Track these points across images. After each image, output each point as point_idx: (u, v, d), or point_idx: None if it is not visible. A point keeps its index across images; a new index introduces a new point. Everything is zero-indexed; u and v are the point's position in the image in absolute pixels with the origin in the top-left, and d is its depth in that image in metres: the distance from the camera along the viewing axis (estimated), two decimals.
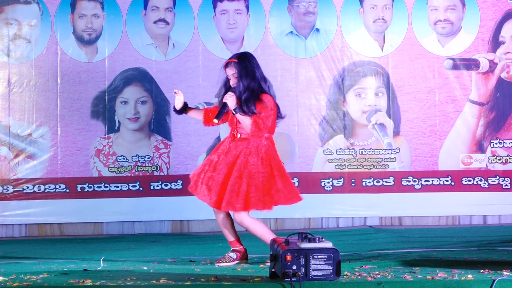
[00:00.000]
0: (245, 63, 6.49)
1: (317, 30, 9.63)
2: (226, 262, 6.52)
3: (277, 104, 6.57)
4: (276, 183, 6.47)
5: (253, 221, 6.48)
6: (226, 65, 6.55)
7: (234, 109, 6.43)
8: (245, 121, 6.45)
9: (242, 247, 6.63)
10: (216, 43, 9.55)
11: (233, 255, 6.58)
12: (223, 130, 9.52)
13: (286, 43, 9.62)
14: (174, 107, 6.77)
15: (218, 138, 9.51)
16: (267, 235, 6.39)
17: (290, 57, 9.62)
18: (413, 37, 9.64)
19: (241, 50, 9.06)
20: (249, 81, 6.45)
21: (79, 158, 9.49)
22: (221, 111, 6.50)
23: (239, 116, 6.45)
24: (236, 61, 6.49)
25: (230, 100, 6.43)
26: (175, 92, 6.74)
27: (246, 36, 9.48)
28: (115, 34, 9.56)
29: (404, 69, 9.65)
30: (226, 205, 6.43)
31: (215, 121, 6.55)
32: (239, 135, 6.56)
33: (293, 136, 9.52)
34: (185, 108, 6.75)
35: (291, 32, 9.63)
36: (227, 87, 6.60)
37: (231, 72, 6.51)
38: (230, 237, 6.63)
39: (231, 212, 6.56)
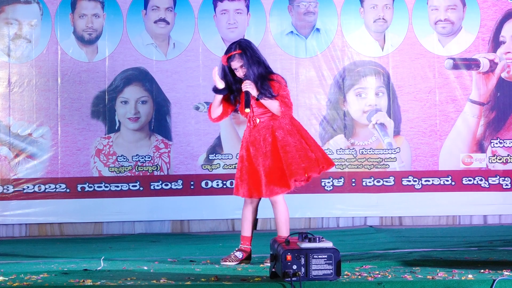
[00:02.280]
0: (248, 51, 6.48)
1: (318, 30, 9.63)
2: (232, 261, 6.50)
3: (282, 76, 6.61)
4: (310, 151, 6.47)
5: (286, 207, 6.49)
6: (230, 58, 6.50)
7: (258, 96, 6.42)
8: (273, 104, 6.43)
9: (249, 247, 6.61)
10: (216, 42, 9.54)
11: (239, 254, 6.55)
12: (224, 130, 9.52)
13: (286, 43, 9.62)
14: (216, 87, 6.57)
15: (219, 137, 9.50)
16: (285, 229, 6.43)
17: (291, 56, 9.62)
18: (413, 37, 9.64)
19: None
20: (257, 68, 6.46)
21: (79, 158, 9.49)
22: (248, 100, 6.42)
23: (264, 102, 6.43)
24: (241, 52, 6.47)
25: (251, 88, 6.42)
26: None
27: (247, 35, 9.47)
28: (115, 34, 9.56)
29: (404, 69, 9.64)
30: (268, 192, 6.40)
31: (247, 110, 6.44)
32: (258, 121, 6.53)
33: None
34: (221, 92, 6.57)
35: (292, 32, 9.63)
36: (227, 78, 6.53)
37: (239, 64, 6.47)
38: (247, 232, 6.56)
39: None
